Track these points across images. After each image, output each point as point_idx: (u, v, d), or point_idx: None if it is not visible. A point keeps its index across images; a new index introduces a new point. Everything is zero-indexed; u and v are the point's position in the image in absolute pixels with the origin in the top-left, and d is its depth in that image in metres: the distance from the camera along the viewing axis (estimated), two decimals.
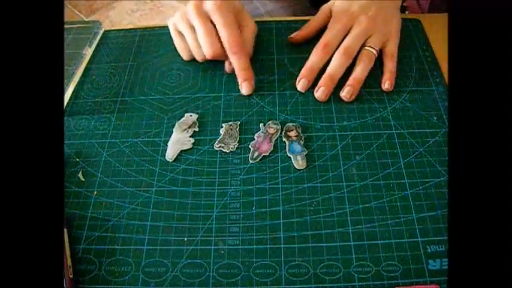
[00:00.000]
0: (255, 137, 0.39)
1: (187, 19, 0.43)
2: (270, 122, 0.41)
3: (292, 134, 0.39)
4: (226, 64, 0.45)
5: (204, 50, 0.42)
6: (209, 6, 0.41)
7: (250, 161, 0.38)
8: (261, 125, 0.40)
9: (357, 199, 0.35)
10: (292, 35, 0.48)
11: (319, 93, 0.41)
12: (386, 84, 0.42)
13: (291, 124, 0.40)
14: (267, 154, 0.38)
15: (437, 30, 0.48)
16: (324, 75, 0.42)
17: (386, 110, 0.41)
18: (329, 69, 0.42)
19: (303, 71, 0.43)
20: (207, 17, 0.42)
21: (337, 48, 0.42)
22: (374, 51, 0.42)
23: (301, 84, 0.42)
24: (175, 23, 0.45)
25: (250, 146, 0.38)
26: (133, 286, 0.31)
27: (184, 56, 0.47)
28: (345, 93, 0.41)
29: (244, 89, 0.42)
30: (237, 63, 0.42)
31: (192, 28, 0.43)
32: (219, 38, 0.41)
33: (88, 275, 0.32)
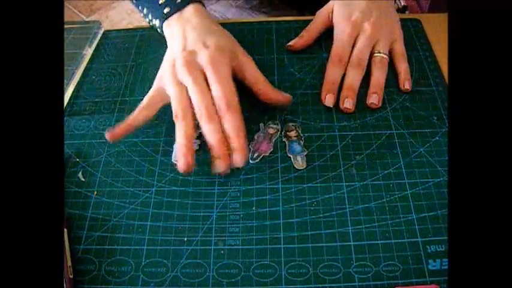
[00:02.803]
0: (254, 137, 0.39)
1: (175, 74, 0.38)
2: (269, 122, 0.41)
3: (292, 134, 0.39)
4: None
5: (197, 108, 0.36)
6: (203, 59, 0.37)
7: (250, 161, 0.38)
8: (261, 125, 0.40)
9: (357, 199, 0.35)
10: (291, 43, 0.47)
11: (347, 104, 0.40)
12: (406, 85, 0.42)
13: (291, 124, 0.40)
14: (267, 154, 0.38)
15: (437, 30, 0.48)
16: (344, 87, 0.41)
17: (386, 110, 0.41)
18: (348, 82, 0.42)
19: (325, 85, 0.42)
20: (200, 71, 0.37)
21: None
22: (385, 56, 0.43)
23: (328, 100, 0.41)
24: (162, 77, 0.39)
25: (250, 146, 0.38)
26: (133, 286, 0.31)
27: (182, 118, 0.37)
28: (372, 100, 0.41)
29: (236, 161, 0.35)
30: (228, 123, 0.35)
31: (181, 84, 0.37)
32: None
33: (88, 275, 0.32)
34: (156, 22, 0.44)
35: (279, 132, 0.40)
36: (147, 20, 0.46)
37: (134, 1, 0.47)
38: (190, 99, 0.36)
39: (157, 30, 0.46)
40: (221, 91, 0.35)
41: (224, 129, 0.35)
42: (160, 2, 0.43)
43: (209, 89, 0.36)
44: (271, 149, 0.38)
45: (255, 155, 0.38)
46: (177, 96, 0.37)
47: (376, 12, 0.44)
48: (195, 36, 0.39)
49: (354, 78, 0.42)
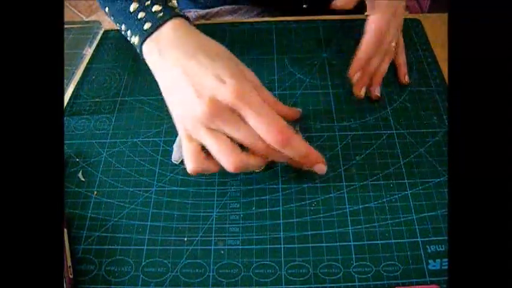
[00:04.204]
0: None
1: (205, 124, 0.32)
2: None
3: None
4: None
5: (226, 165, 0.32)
6: (227, 97, 0.30)
7: (257, 170, 0.37)
8: None
9: (357, 199, 0.35)
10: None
11: (378, 91, 0.42)
12: (406, 78, 0.43)
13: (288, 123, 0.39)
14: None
15: (437, 30, 0.48)
16: (379, 75, 0.42)
17: (386, 110, 0.41)
18: (383, 69, 0.42)
19: (364, 78, 0.41)
20: (231, 112, 0.31)
21: None
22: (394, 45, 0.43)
23: (363, 92, 0.41)
24: (189, 134, 0.33)
25: None
26: (133, 286, 0.31)
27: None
28: (377, 93, 0.42)
29: (320, 171, 0.34)
30: (293, 153, 0.32)
31: (218, 134, 0.32)
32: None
33: (88, 275, 0.32)
34: (135, 40, 0.37)
35: None
36: (128, 37, 0.39)
37: (112, 18, 0.41)
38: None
39: (136, 51, 0.38)
40: (268, 127, 0.30)
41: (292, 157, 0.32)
42: (139, 17, 0.36)
43: (249, 126, 0.31)
44: None
45: None
46: (221, 150, 0.31)
47: (399, 21, 0.43)
48: (198, 67, 0.32)
49: (386, 66, 0.42)
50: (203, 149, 0.33)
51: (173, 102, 0.34)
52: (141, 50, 0.37)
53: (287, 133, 0.31)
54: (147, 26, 0.36)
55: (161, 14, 0.36)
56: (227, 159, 0.31)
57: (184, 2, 0.65)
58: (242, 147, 0.32)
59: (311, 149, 0.33)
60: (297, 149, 0.32)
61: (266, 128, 0.30)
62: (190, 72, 0.32)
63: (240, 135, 0.31)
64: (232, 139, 0.32)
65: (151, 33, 0.35)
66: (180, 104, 0.33)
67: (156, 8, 0.36)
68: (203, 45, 0.35)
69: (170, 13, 0.36)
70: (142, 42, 0.36)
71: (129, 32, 0.38)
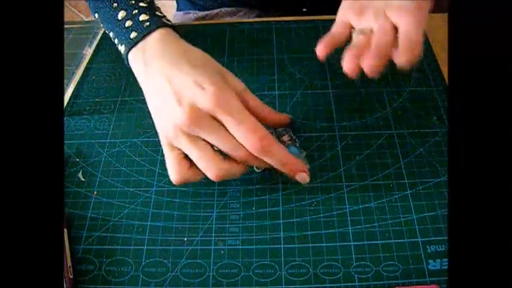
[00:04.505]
0: None
1: (185, 133, 0.31)
2: None
3: (285, 138, 0.38)
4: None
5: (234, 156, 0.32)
6: (206, 104, 0.30)
7: (257, 171, 0.37)
8: None
9: (357, 199, 0.35)
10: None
11: None
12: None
13: (280, 129, 0.38)
14: None
15: (437, 30, 0.48)
16: None
17: (386, 110, 0.41)
18: None
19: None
20: (209, 119, 0.31)
21: None
22: None
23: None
24: (169, 142, 0.33)
25: None
26: (133, 286, 0.31)
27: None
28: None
29: (301, 180, 0.34)
30: (273, 161, 0.32)
31: (198, 141, 0.32)
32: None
33: (88, 275, 0.32)
34: (122, 48, 0.37)
35: (274, 135, 0.39)
36: (116, 45, 0.39)
37: (102, 24, 0.41)
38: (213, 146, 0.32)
39: (124, 61, 0.38)
40: (248, 134, 0.30)
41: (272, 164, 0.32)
42: (126, 25, 0.36)
43: (229, 133, 0.31)
44: None
45: None
46: (202, 158, 0.31)
47: None
48: (180, 75, 0.32)
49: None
50: (186, 157, 0.33)
51: (155, 110, 0.34)
52: (127, 59, 0.37)
53: (267, 140, 0.30)
54: (133, 35, 0.36)
55: (148, 24, 0.36)
56: (208, 168, 0.31)
57: (184, 3, 0.65)
58: (224, 154, 0.32)
59: (291, 158, 0.32)
60: (277, 157, 0.31)
61: (245, 135, 0.30)
62: (172, 80, 0.32)
63: (220, 142, 0.31)
64: (213, 147, 0.32)
65: (137, 42, 0.35)
66: (161, 112, 0.33)
67: (143, 17, 0.36)
68: (187, 54, 0.34)
69: (157, 23, 0.36)
70: (128, 50, 0.36)
71: (116, 40, 0.38)
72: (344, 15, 0.38)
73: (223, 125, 0.31)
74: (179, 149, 0.32)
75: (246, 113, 0.31)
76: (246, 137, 0.30)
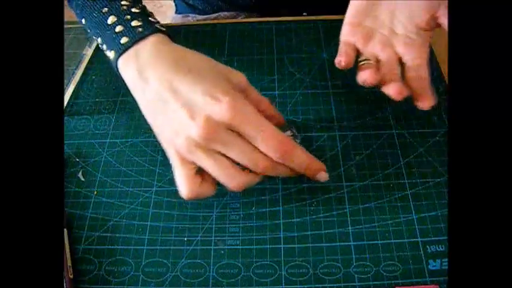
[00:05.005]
0: None
1: (200, 146, 0.29)
2: None
3: (288, 134, 0.37)
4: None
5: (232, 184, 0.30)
6: (222, 116, 0.28)
7: None
8: None
9: (357, 199, 0.35)
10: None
11: None
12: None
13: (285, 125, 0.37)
14: None
15: (437, 30, 0.48)
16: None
17: (386, 110, 0.41)
18: None
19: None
20: (226, 131, 0.29)
21: None
22: None
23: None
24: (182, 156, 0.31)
25: None
26: (133, 286, 0.31)
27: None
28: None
29: (323, 179, 0.33)
30: (296, 164, 0.31)
31: (215, 154, 0.30)
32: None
33: (88, 275, 0.32)
34: (111, 54, 0.34)
35: None
36: (104, 51, 0.36)
37: (88, 30, 0.38)
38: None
39: (113, 67, 0.35)
40: (269, 141, 0.29)
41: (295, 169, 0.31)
42: (116, 30, 0.34)
43: (248, 143, 0.30)
44: None
45: None
46: (222, 171, 0.30)
47: None
48: (185, 84, 0.30)
49: None
50: (197, 172, 0.31)
51: (159, 123, 0.31)
52: (116, 66, 0.34)
53: (288, 144, 0.30)
54: (124, 40, 0.33)
55: (141, 29, 0.34)
56: (230, 180, 0.30)
57: (183, 7, 0.65)
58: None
59: (313, 159, 0.32)
60: (300, 159, 0.31)
61: (267, 142, 0.29)
62: (178, 90, 0.30)
63: (239, 154, 0.29)
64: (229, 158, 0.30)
65: (129, 47, 0.33)
66: (169, 126, 0.30)
67: (135, 22, 0.34)
68: (187, 60, 0.32)
69: (150, 28, 0.34)
70: (118, 56, 0.34)
71: (105, 46, 0.35)
72: (350, 35, 0.38)
73: (239, 136, 0.29)
74: (191, 163, 0.31)
75: (263, 119, 0.30)
76: (268, 144, 0.29)
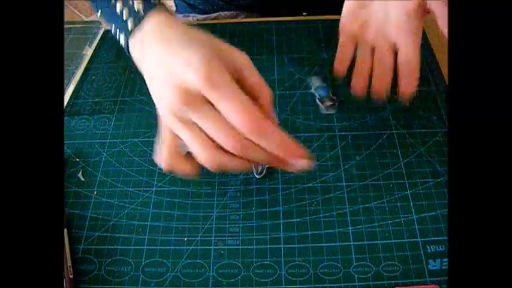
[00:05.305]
0: None
1: (178, 116, 0.30)
2: None
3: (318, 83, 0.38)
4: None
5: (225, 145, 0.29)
6: (195, 82, 0.28)
7: (257, 176, 0.37)
8: None
9: (357, 199, 0.35)
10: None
11: None
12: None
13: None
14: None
15: (437, 30, 0.48)
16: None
17: (386, 110, 0.41)
18: None
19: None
20: (201, 99, 0.29)
21: None
22: None
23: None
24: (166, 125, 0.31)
25: None
26: (133, 286, 0.31)
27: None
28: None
29: (303, 167, 0.30)
30: (270, 144, 0.28)
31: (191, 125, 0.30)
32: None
33: (88, 275, 0.32)
34: (122, 39, 0.36)
35: None
36: (117, 39, 0.38)
37: (104, 20, 0.40)
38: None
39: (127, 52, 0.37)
40: (240, 114, 0.28)
41: (269, 149, 0.29)
42: (124, 16, 0.36)
43: (221, 116, 0.29)
44: None
45: (259, 169, 0.37)
46: (194, 142, 0.29)
47: None
48: (172, 55, 0.30)
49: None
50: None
51: (153, 94, 0.32)
52: (127, 49, 0.36)
53: (262, 121, 0.28)
54: (130, 23, 0.35)
55: (142, 12, 0.35)
56: (204, 154, 0.29)
57: (183, 7, 0.65)
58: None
59: (290, 140, 0.29)
60: (274, 138, 0.28)
61: (238, 114, 0.28)
62: (165, 62, 0.31)
63: (212, 127, 0.28)
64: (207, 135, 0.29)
65: (134, 29, 0.34)
66: (157, 95, 0.31)
67: (137, 5, 0.35)
68: (182, 34, 0.32)
69: (150, 7, 0.35)
70: (127, 40, 0.35)
71: (117, 33, 0.37)
72: (349, 24, 0.40)
73: (214, 109, 0.28)
74: (176, 137, 0.30)
75: (239, 91, 0.28)
76: (239, 116, 0.28)
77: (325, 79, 0.44)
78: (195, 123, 0.29)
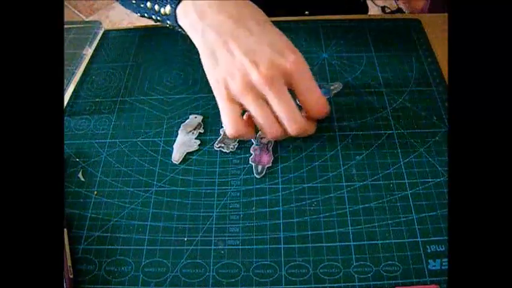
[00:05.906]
0: (251, 151, 0.38)
1: (253, 89, 0.32)
2: (260, 132, 0.39)
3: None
4: None
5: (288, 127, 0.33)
6: (287, 66, 0.31)
7: (257, 176, 0.37)
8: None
9: (357, 199, 0.35)
10: None
11: None
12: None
13: None
14: (270, 165, 0.37)
15: (437, 30, 0.48)
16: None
17: (386, 110, 0.41)
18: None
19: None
20: (283, 83, 0.32)
21: None
22: None
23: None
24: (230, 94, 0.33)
25: (250, 161, 0.38)
26: (133, 286, 0.31)
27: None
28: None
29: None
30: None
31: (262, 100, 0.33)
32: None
33: (88, 275, 0.32)
34: (167, 10, 0.36)
35: (273, 140, 0.39)
36: (152, 15, 0.38)
37: (132, 1, 0.40)
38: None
39: (168, 25, 0.37)
40: (319, 99, 0.34)
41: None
42: None
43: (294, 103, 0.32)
44: (272, 158, 0.38)
45: (259, 169, 0.37)
46: (262, 115, 0.32)
47: None
48: (249, 35, 0.32)
49: None
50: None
51: (215, 64, 0.33)
52: (174, 16, 0.35)
53: (304, 126, 0.33)
54: None
55: None
56: (269, 128, 0.33)
57: None
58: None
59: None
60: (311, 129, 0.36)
61: (316, 100, 0.33)
62: (240, 39, 0.32)
63: (284, 107, 0.32)
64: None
65: None
66: (225, 67, 0.32)
67: None
68: (246, 7, 0.34)
69: None
70: (175, 8, 0.35)
71: (156, 7, 0.37)
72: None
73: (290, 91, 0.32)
74: (238, 105, 0.33)
75: (316, 83, 0.33)
76: (318, 101, 0.33)
77: (325, 79, 0.44)
78: (265, 100, 0.32)
